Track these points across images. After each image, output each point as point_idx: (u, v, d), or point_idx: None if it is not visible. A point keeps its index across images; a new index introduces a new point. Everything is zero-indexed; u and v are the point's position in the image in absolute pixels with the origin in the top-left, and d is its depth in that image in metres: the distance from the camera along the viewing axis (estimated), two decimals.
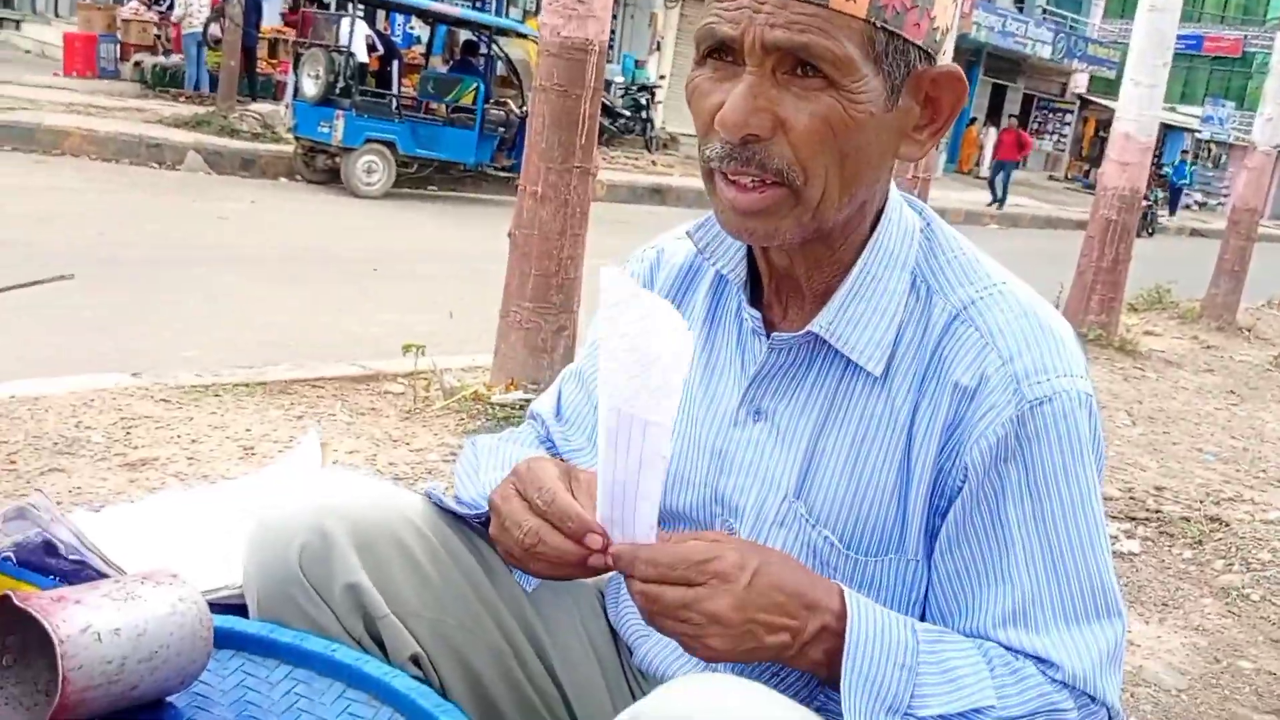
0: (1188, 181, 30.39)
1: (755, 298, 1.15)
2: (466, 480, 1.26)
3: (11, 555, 1.27)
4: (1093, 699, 1.00)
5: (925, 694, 0.95)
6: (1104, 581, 1.03)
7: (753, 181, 0.98)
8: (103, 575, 1.23)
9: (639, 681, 1.25)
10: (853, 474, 1.07)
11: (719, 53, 0.98)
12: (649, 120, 18.61)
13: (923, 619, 1.06)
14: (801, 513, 1.08)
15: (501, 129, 11.32)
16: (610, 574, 1.40)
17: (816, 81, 0.94)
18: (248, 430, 3.30)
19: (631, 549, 0.95)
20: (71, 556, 1.28)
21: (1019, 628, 1.01)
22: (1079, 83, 33.42)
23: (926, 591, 1.07)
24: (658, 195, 13.54)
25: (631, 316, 0.91)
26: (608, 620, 1.29)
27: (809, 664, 0.98)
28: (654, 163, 16.46)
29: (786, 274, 1.10)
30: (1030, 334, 1.03)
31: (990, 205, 19.14)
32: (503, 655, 1.20)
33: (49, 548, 1.27)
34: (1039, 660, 1.00)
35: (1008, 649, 1.00)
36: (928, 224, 1.11)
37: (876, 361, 1.05)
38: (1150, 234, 20.01)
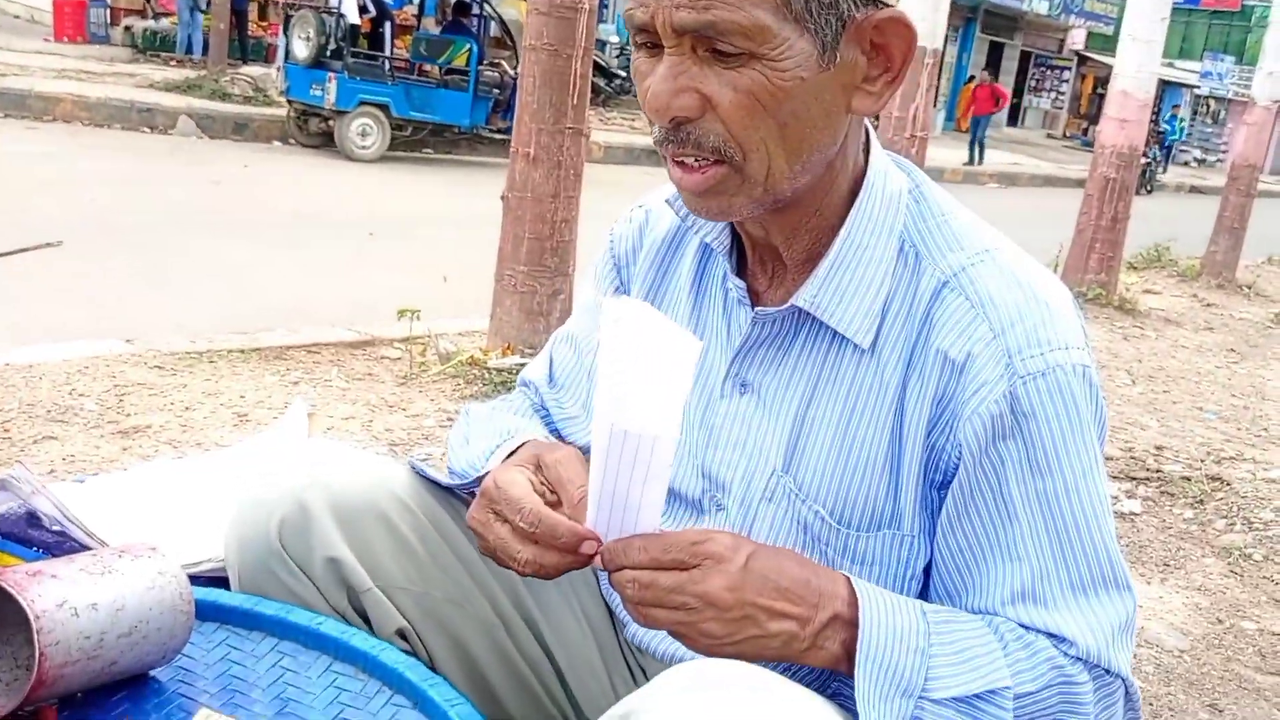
0: (1178, 137, 30.14)
1: (741, 266, 1.11)
2: (458, 450, 1.23)
3: None
4: (1107, 671, 0.98)
5: (939, 675, 0.93)
6: (1110, 555, 1.00)
7: (695, 161, 0.96)
8: (85, 548, 1.21)
9: (634, 655, 1.23)
10: (842, 448, 1.03)
11: (644, 34, 0.95)
12: None
13: (923, 598, 1.04)
14: (790, 488, 1.05)
15: (496, 90, 11.22)
16: None
17: (737, 55, 0.91)
18: (242, 397, 3.27)
19: (621, 541, 0.92)
20: (54, 528, 1.26)
21: (1029, 605, 0.98)
22: (1076, 39, 33.14)
23: (923, 568, 1.04)
24: (654, 157, 13.44)
25: (633, 331, 0.88)
26: (602, 593, 1.27)
27: (827, 658, 0.94)
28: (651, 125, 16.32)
29: (765, 243, 1.06)
30: (1023, 305, 0.99)
31: (967, 164, 18.91)
32: (493, 628, 1.18)
33: (32, 519, 1.25)
34: (1052, 636, 0.98)
35: (1020, 625, 0.98)
36: (916, 186, 1.07)
37: (864, 333, 1.02)
38: (1149, 191, 19.91)
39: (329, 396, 3.41)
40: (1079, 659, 0.97)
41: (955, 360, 0.98)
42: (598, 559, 0.93)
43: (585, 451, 1.09)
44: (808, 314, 1.03)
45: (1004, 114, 30.34)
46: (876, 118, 1.05)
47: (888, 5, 0.95)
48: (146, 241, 5.75)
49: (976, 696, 0.93)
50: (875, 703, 0.91)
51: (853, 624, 0.93)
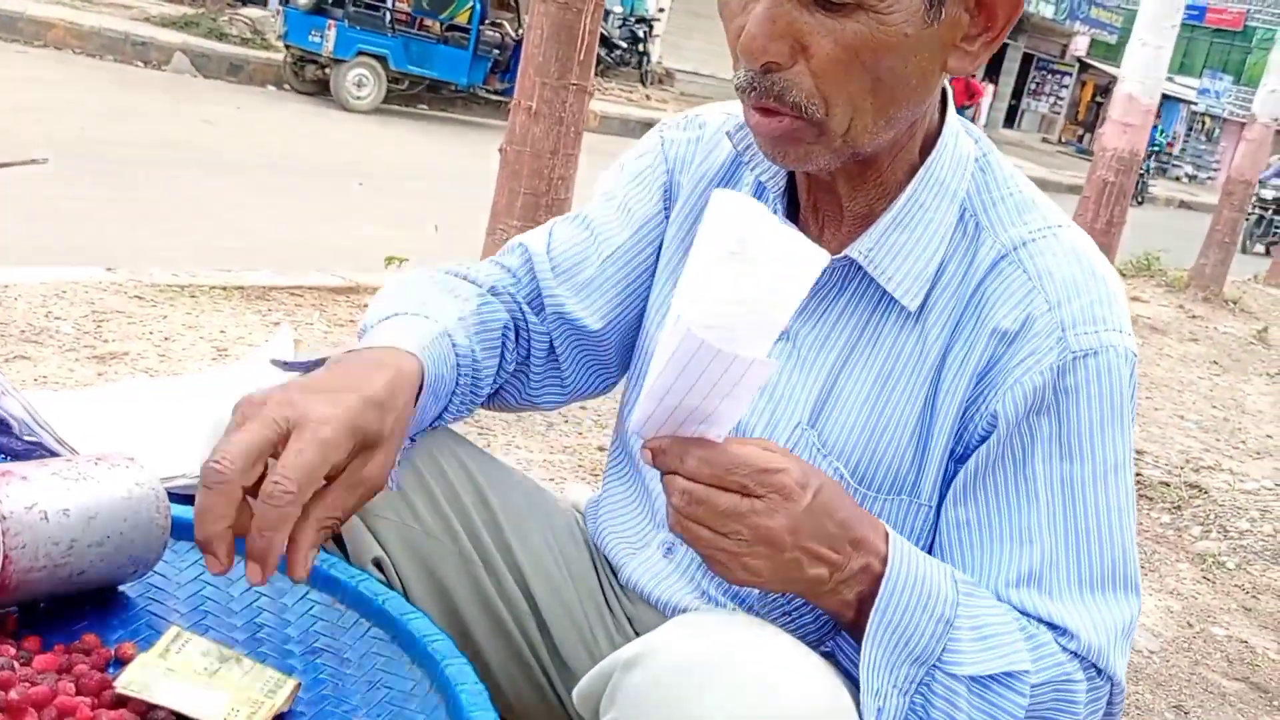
0: (1159, 148, 30.08)
1: (793, 210, 1.07)
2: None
3: None
4: (1099, 671, 0.95)
5: (959, 650, 0.89)
6: (1127, 554, 0.97)
7: (775, 107, 0.92)
8: (57, 456, 1.16)
9: (620, 600, 1.19)
10: (873, 409, 1.00)
11: None
12: (645, 54, 18.34)
13: None
14: (814, 442, 1.02)
15: (495, 51, 11.13)
16: (584, 493, 1.34)
17: (843, 4, 0.86)
18: (222, 332, 3.21)
19: (680, 442, 0.82)
20: (26, 437, 1.21)
21: (1033, 590, 0.94)
22: (1079, 45, 33.15)
23: (933, 540, 1.01)
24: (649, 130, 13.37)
25: (746, 229, 0.76)
26: (584, 539, 1.23)
27: (837, 604, 0.90)
28: (648, 97, 16.26)
29: (827, 191, 1.03)
30: (1082, 282, 0.96)
31: None
32: (471, 565, 1.14)
33: (2, 426, 1.20)
34: (1053, 628, 0.94)
35: (1021, 612, 0.94)
36: (984, 154, 1.04)
37: (913, 296, 0.99)
38: (1139, 203, 19.96)
39: (311, 338, 3.36)
40: (1076, 655, 0.93)
41: (1009, 330, 0.95)
42: (645, 452, 0.84)
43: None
44: (858, 268, 1.00)
45: (1000, 114, 30.32)
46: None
47: None
48: (134, 174, 5.66)
49: (992, 678, 0.89)
50: (880, 664, 0.87)
51: (878, 579, 0.88)
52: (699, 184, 1.15)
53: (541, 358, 1.18)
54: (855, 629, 0.91)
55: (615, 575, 1.20)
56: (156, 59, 10.22)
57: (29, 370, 2.65)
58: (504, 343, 1.13)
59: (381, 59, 10.22)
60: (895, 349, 1.00)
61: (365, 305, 3.83)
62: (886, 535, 0.91)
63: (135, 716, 0.78)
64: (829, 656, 0.95)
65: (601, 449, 3.04)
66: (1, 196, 4.24)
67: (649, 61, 18.34)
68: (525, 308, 1.16)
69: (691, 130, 1.19)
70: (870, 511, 1.00)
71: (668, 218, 1.17)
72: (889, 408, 1.00)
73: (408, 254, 3.91)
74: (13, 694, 0.73)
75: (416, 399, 0.93)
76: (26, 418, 1.15)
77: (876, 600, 0.88)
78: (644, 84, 17.71)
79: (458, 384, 1.03)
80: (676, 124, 1.20)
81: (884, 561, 0.89)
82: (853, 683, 0.90)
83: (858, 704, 0.86)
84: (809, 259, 0.77)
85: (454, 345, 1.01)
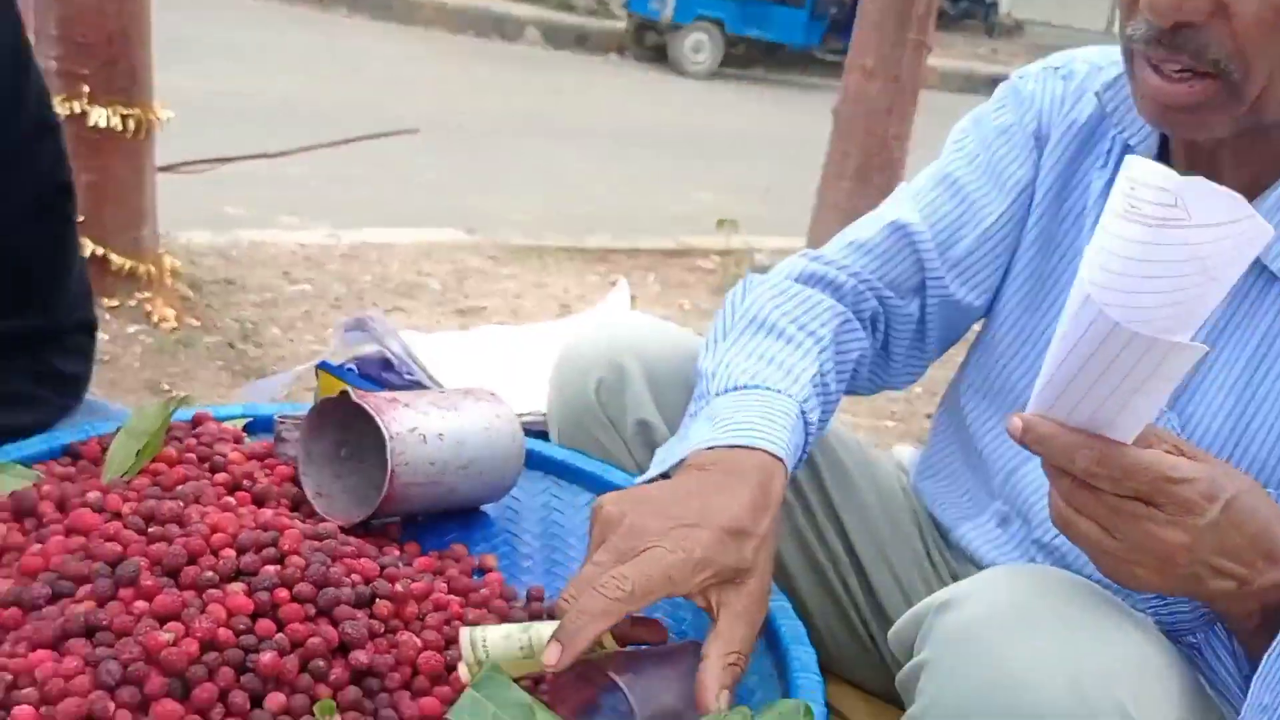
0: None
1: None
2: (709, 348, 1.10)
3: (354, 367, 1.39)
4: None
5: None
6: None
7: (1180, 72, 0.87)
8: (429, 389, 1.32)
9: (945, 558, 1.20)
10: (1244, 391, 0.95)
11: None
12: (992, 4, 17.52)
13: None
14: (1173, 426, 0.97)
15: (833, 9, 11.02)
16: (908, 453, 1.35)
17: None
18: (566, 290, 3.44)
19: (1068, 433, 0.74)
20: (407, 375, 1.38)
21: None
22: None
23: None
24: (995, 88, 12.81)
25: (1182, 200, 0.66)
26: (907, 497, 1.25)
27: (1241, 613, 0.83)
28: (994, 51, 15.54)
29: (1207, 160, 0.96)
30: None
31: None
32: (792, 511, 1.18)
33: (386, 364, 1.38)
34: None
35: None
36: None
37: None
38: None
39: (645, 298, 3.52)
40: None
41: None
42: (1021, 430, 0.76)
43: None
44: None
45: None
46: None
47: None
48: (490, 143, 6.10)
49: None
50: (1276, 681, 0.80)
51: None
52: (1067, 132, 1.10)
53: (905, 343, 1.17)
54: (1252, 634, 0.85)
55: (941, 535, 1.21)
56: (511, 33, 10.90)
57: (404, 320, 2.96)
58: (858, 360, 1.14)
59: (719, 23, 10.38)
60: (1275, 328, 0.94)
61: (697, 267, 3.95)
62: None
63: (496, 617, 0.88)
64: (1194, 649, 0.92)
65: (929, 416, 3.01)
66: (379, 165, 4.71)
67: (996, 13, 17.50)
68: (889, 295, 1.15)
69: (1054, 80, 1.13)
70: None
71: (1038, 168, 1.12)
72: (1261, 390, 0.94)
73: (739, 218, 4.00)
74: (398, 586, 0.86)
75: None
76: (403, 353, 1.32)
77: None
78: (990, 36, 16.95)
79: (805, 446, 1.03)
80: (1035, 74, 1.15)
81: None
82: (1198, 673, 0.86)
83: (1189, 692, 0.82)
84: (1253, 230, 0.67)
85: (807, 424, 1.00)
